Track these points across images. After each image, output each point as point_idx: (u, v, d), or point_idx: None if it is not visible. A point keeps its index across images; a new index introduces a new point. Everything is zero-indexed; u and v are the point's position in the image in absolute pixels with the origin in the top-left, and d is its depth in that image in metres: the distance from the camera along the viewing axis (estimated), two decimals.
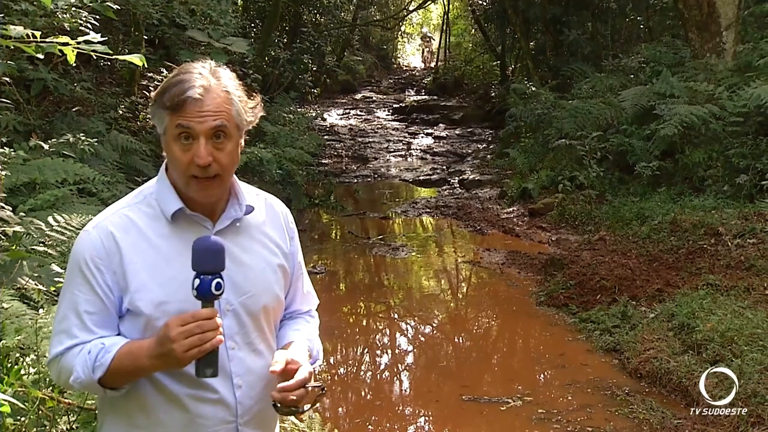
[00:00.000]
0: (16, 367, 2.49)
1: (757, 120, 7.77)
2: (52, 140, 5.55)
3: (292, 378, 1.60)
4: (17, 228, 3.55)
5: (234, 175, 1.67)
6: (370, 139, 16.11)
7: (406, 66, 28.37)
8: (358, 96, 21.44)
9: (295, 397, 1.59)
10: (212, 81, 1.57)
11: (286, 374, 1.61)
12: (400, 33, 27.18)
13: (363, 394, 5.07)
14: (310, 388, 1.63)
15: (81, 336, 1.56)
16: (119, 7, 4.82)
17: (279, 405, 1.60)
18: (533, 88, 12.67)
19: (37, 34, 2.45)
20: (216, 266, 1.49)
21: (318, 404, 1.74)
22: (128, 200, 1.67)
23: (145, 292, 1.55)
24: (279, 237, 1.77)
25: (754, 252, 5.99)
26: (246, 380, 1.65)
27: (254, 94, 1.68)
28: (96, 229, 1.60)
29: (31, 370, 2.59)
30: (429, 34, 28.04)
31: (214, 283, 1.48)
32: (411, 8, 24.83)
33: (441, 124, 17.57)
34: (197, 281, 1.48)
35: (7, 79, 5.47)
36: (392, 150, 15.37)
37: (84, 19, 5.25)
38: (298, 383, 1.59)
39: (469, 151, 14.98)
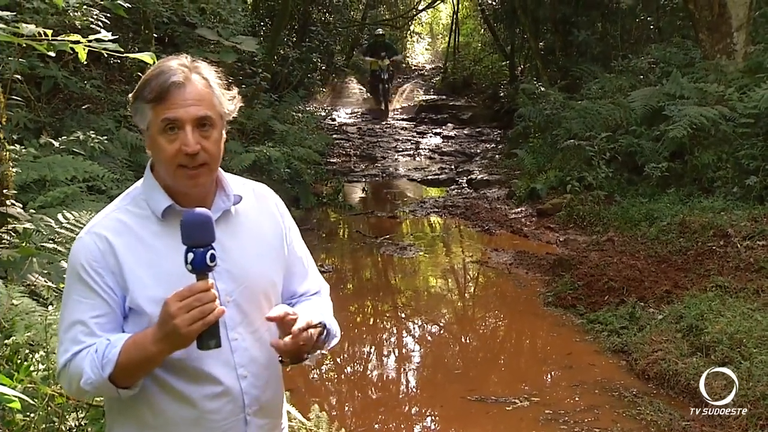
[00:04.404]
0: (25, 363, 2.50)
1: None
2: (62, 137, 5.57)
3: (290, 331, 1.60)
4: (27, 225, 3.58)
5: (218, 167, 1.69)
6: (379, 139, 16.05)
7: (415, 65, 28.31)
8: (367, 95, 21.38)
9: (301, 343, 1.60)
10: (191, 71, 1.59)
11: (284, 326, 1.61)
12: (409, 32, 27.08)
13: (370, 392, 5.07)
14: (311, 333, 1.63)
15: (87, 341, 1.56)
16: (130, 5, 4.85)
17: (282, 356, 1.62)
18: (542, 89, 12.61)
19: (49, 32, 2.47)
20: (206, 237, 1.49)
21: (324, 350, 1.75)
22: (116, 204, 1.68)
23: (144, 290, 1.56)
24: (271, 221, 1.79)
25: (764, 254, 5.96)
26: (251, 370, 1.66)
27: (232, 86, 1.69)
28: (88, 234, 1.61)
29: (41, 367, 2.60)
30: None
31: (208, 254, 1.48)
32: (420, 8, 24.79)
33: (449, 124, 17.48)
34: (191, 255, 1.47)
35: (18, 76, 5.50)
36: (400, 149, 15.32)
37: (95, 17, 5.28)
38: (300, 329, 1.59)
39: (478, 150, 14.93)
